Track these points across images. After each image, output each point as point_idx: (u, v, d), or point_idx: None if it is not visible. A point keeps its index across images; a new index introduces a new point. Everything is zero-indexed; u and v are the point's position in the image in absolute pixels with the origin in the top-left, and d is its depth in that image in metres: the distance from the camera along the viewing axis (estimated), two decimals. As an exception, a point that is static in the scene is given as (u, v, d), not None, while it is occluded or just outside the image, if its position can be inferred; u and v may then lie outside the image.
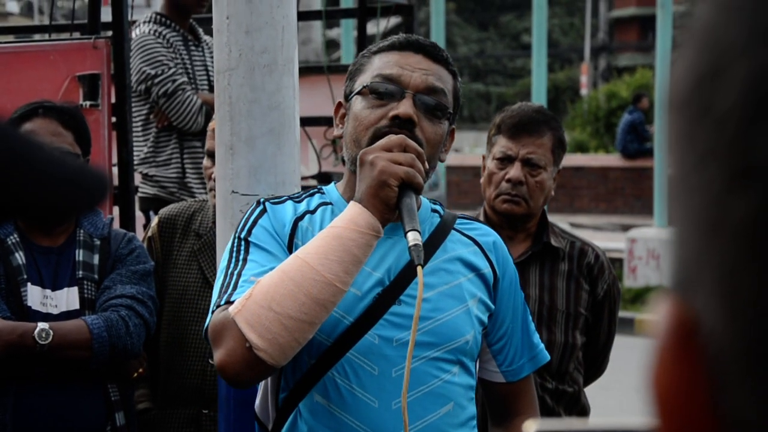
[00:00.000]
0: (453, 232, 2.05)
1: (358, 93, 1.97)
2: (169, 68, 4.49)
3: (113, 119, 3.95)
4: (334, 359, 1.90)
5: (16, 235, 2.84)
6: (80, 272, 2.86)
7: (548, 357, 2.22)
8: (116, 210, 4.00)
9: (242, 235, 1.95)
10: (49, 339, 2.68)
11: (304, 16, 5.14)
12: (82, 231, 2.91)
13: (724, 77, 0.41)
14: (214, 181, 2.95)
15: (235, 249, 1.94)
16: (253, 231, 1.94)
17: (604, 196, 16.64)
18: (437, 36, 13.21)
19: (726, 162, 0.41)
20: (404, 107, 1.90)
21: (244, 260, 1.91)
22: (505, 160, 2.94)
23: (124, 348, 2.78)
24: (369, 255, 1.83)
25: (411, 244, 1.75)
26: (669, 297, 0.45)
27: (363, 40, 4.98)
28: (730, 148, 0.41)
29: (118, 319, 2.78)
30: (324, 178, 4.79)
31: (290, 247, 1.94)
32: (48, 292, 2.82)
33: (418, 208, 1.93)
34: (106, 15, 4.11)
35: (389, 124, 1.91)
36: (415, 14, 4.67)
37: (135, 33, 4.59)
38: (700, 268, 0.43)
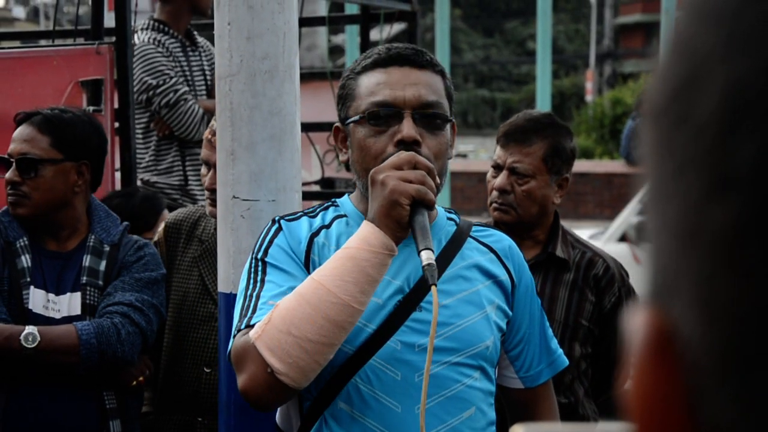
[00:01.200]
0: (469, 239, 2.06)
1: (355, 122, 1.96)
2: (170, 78, 4.50)
3: (116, 124, 3.96)
4: (357, 366, 1.91)
5: (25, 239, 2.85)
6: (84, 278, 2.85)
7: (567, 362, 2.22)
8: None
9: (259, 256, 1.95)
10: (36, 343, 2.67)
11: (307, 22, 5.16)
12: (93, 237, 2.91)
13: (702, 86, 0.41)
14: (209, 191, 2.96)
15: (252, 270, 1.94)
16: (270, 251, 1.95)
17: (608, 202, 16.63)
18: (442, 42, 13.22)
19: (704, 170, 0.41)
20: (407, 130, 1.90)
21: (262, 281, 1.91)
22: (497, 169, 2.96)
23: (114, 355, 2.76)
24: (384, 273, 1.84)
25: (424, 263, 1.76)
26: (646, 305, 0.45)
27: (367, 47, 4.98)
28: (708, 157, 0.41)
29: (111, 326, 2.76)
30: (327, 183, 4.80)
31: (307, 264, 1.95)
32: (51, 296, 2.82)
33: (432, 221, 1.95)
34: (109, 21, 4.13)
35: (395, 151, 1.90)
36: (417, 20, 4.68)
37: (134, 41, 4.60)
38: (677, 277, 0.43)
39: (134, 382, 2.94)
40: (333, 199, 2.09)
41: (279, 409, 2.07)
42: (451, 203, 15.11)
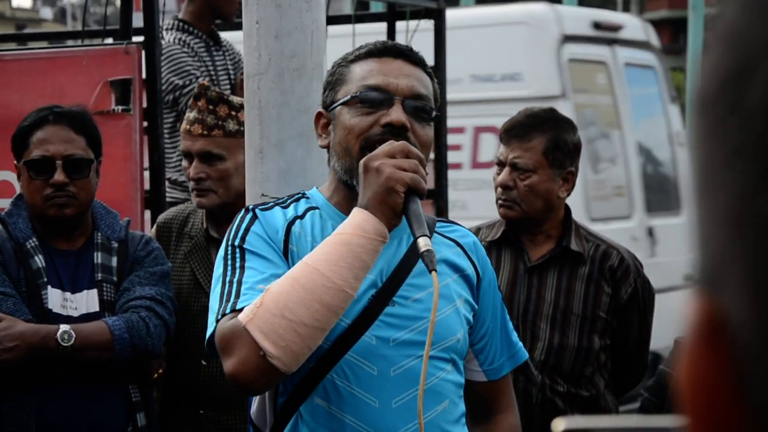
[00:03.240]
0: (435, 235, 2.07)
1: (344, 104, 1.98)
2: (196, 78, 4.52)
3: (145, 124, 3.98)
4: (332, 361, 1.92)
5: (34, 239, 2.86)
6: (99, 274, 2.87)
7: (526, 356, 2.25)
8: (148, 214, 4.03)
9: (236, 243, 1.96)
10: (72, 341, 2.69)
11: (333, 20, 5.16)
12: (99, 234, 2.93)
13: (754, 76, 0.42)
14: (194, 182, 2.98)
15: (230, 257, 1.95)
16: (247, 238, 1.95)
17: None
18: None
19: (753, 159, 0.41)
20: (396, 114, 1.92)
21: (242, 267, 1.92)
22: (500, 166, 2.99)
23: (145, 348, 2.80)
24: (375, 260, 1.85)
25: (423, 249, 1.76)
26: (697, 292, 0.45)
27: (392, 44, 4.98)
28: (757, 146, 0.41)
29: (139, 320, 2.80)
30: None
31: (285, 253, 1.96)
32: (68, 294, 2.84)
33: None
34: (137, 20, 4.15)
35: (381, 131, 1.93)
36: (444, 18, 4.67)
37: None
38: (727, 264, 0.43)
39: (155, 375, 2.98)
40: (302, 191, 2.09)
41: (255, 405, 2.08)
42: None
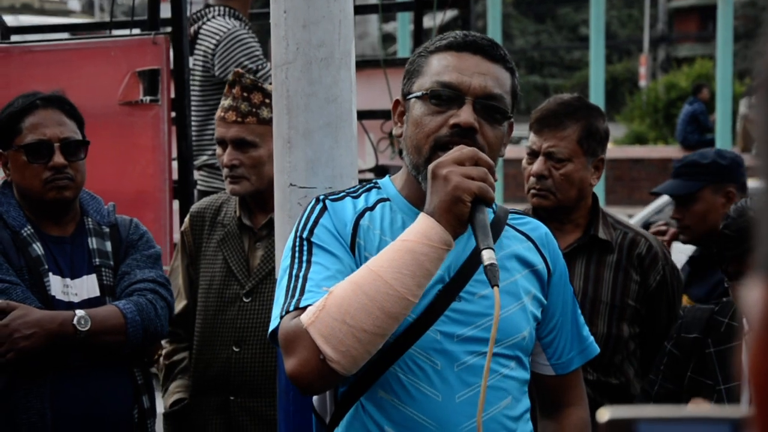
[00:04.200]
0: (507, 228, 2.06)
1: (417, 97, 1.96)
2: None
3: (173, 114, 3.99)
4: (396, 355, 1.92)
5: (29, 227, 2.86)
6: (97, 260, 2.89)
7: (598, 350, 2.22)
8: (176, 203, 4.05)
9: (304, 235, 1.95)
10: (88, 326, 2.72)
11: (360, 9, 5.16)
12: (90, 219, 2.94)
13: None
14: (227, 169, 2.99)
15: (297, 249, 1.94)
16: (315, 231, 1.94)
17: (663, 188, 16.43)
18: (494, 28, 13.16)
19: None
20: (465, 115, 1.89)
21: (308, 262, 1.91)
22: (532, 155, 2.97)
23: (155, 330, 2.84)
24: (439, 267, 1.83)
25: (487, 263, 1.74)
26: (761, 281, 0.44)
27: (419, 34, 4.98)
28: None
29: (147, 302, 2.83)
30: (381, 171, 4.80)
31: (352, 247, 1.95)
32: (68, 280, 2.85)
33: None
34: (165, 11, 4.16)
35: (450, 132, 1.90)
36: (471, 7, 4.65)
37: (213, 25, 4.66)
38: None
39: (156, 356, 3.01)
40: (375, 180, 2.08)
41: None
42: (504, 190, 15.04)
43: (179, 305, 3.16)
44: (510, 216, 2.09)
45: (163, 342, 3.21)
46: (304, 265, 1.90)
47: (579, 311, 2.18)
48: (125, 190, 3.95)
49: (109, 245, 2.92)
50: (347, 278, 1.83)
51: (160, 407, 3.12)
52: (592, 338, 2.20)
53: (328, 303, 1.80)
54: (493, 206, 2.07)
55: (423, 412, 1.91)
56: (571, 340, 2.14)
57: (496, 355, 1.95)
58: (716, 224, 2.94)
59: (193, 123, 4.68)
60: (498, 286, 1.73)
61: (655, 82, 24.19)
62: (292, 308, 1.85)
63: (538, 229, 2.11)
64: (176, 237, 3.25)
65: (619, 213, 5.51)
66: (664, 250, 3.05)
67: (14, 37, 4.78)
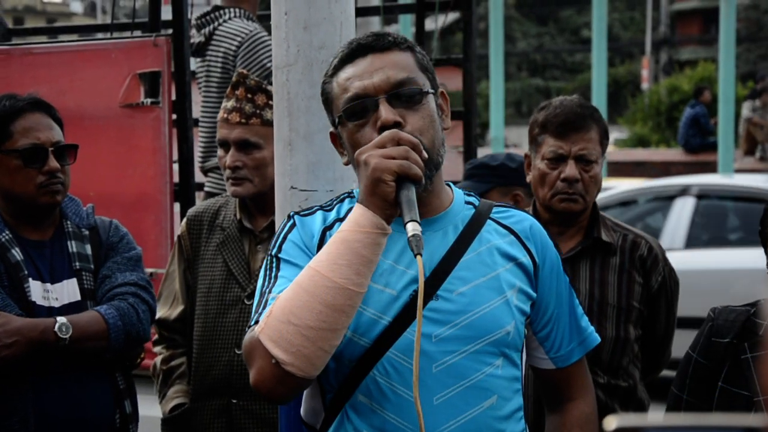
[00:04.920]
0: (489, 222, 2.03)
1: (340, 123, 1.97)
2: None
3: (173, 116, 3.98)
4: (374, 359, 1.91)
5: (7, 232, 2.83)
6: (77, 263, 2.86)
7: (598, 340, 2.19)
8: (177, 206, 4.04)
9: (273, 252, 1.96)
10: (69, 332, 2.70)
11: (362, 12, 5.14)
12: (69, 222, 2.91)
13: None
14: (230, 170, 2.98)
15: (267, 267, 1.95)
16: (283, 247, 1.95)
17: (665, 191, 16.41)
18: (496, 31, 13.14)
19: None
20: (384, 114, 1.89)
21: (275, 278, 1.92)
22: (557, 160, 2.92)
23: (137, 335, 2.82)
24: (380, 253, 1.83)
25: (410, 234, 1.74)
26: None
27: (421, 36, 4.96)
28: None
29: (128, 306, 2.82)
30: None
31: None
32: (48, 285, 2.82)
33: (419, 200, 1.87)
34: (166, 13, 4.15)
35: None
36: (473, 9, 4.64)
37: (232, 27, 4.67)
38: None
39: (138, 360, 2.99)
40: (351, 191, 2.08)
41: (303, 404, 2.07)
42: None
43: (176, 310, 3.14)
44: (494, 210, 2.07)
45: (159, 348, 3.19)
46: (271, 281, 1.91)
47: (576, 302, 2.15)
48: (126, 192, 3.94)
49: (89, 248, 2.90)
50: (292, 282, 1.83)
51: (148, 411, 3.10)
52: (591, 328, 2.17)
53: (275, 308, 1.80)
54: (475, 201, 2.07)
55: (400, 416, 1.89)
56: (569, 331, 2.11)
57: (478, 353, 1.93)
58: None
59: (209, 125, 4.68)
60: (421, 255, 1.73)
61: (657, 84, 24.19)
62: (253, 323, 1.86)
63: (523, 221, 2.08)
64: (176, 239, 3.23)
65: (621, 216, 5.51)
66: (662, 252, 3.04)
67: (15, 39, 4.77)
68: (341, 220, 1.98)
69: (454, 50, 24.28)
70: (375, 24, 13.72)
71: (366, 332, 1.89)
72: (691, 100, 17.04)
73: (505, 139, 15.13)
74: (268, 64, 4.52)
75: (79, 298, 2.83)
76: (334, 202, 2.04)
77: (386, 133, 1.83)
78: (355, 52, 1.96)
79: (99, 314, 2.76)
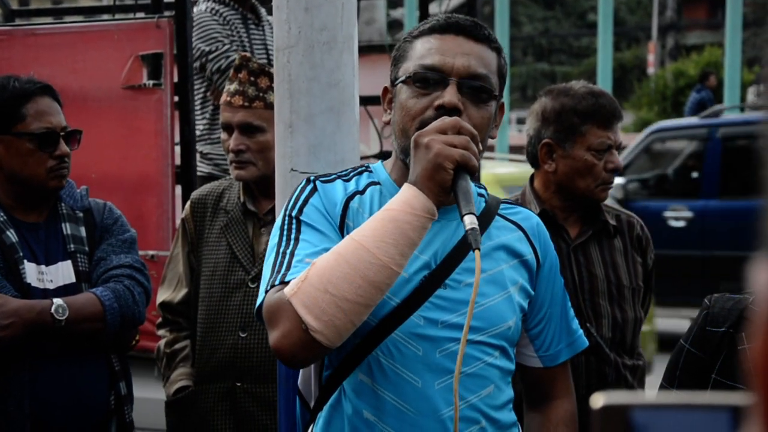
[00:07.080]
0: (497, 217, 2.05)
1: (403, 82, 1.96)
2: (224, 45, 4.53)
3: (176, 98, 3.97)
4: (379, 339, 1.91)
5: (2, 213, 2.83)
6: (71, 246, 2.86)
7: (586, 343, 2.20)
8: (179, 188, 4.04)
9: (293, 214, 1.94)
10: (66, 314, 2.70)
11: (365, -6, 5.11)
12: (63, 204, 2.91)
13: None
14: (233, 154, 2.97)
15: (286, 227, 1.93)
16: (305, 210, 1.94)
17: (671, 176, 16.38)
18: (501, 14, 13.10)
19: None
20: (449, 96, 1.89)
21: (296, 239, 1.90)
22: (603, 152, 2.87)
23: (133, 317, 2.83)
24: (423, 237, 1.82)
25: (468, 227, 1.73)
26: (763, 266, 0.42)
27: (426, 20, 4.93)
28: None
29: (124, 289, 2.82)
30: (385, 157, 4.77)
31: (341, 228, 1.94)
32: (42, 267, 2.82)
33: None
34: (168, -6, 4.14)
35: (435, 114, 1.90)
36: (477, -9, 4.61)
37: (194, 11, 4.64)
38: None
39: (133, 342, 3.00)
40: (367, 165, 2.08)
41: (301, 375, 2.07)
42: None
43: (180, 293, 3.14)
44: (502, 206, 2.08)
45: (163, 331, 3.19)
46: (292, 242, 1.90)
47: (569, 304, 2.17)
48: (128, 174, 3.94)
49: (83, 230, 2.90)
50: (331, 250, 1.82)
51: (144, 393, 3.10)
52: (581, 332, 2.19)
53: (311, 274, 1.78)
54: (485, 194, 2.07)
55: (401, 397, 1.90)
56: (560, 332, 2.13)
57: (480, 344, 1.94)
58: None
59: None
60: (479, 249, 1.72)
61: (663, 69, 24.12)
62: (277, 282, 1.84)
63: (530, 218, 2.09)
64: (179, 222, 3.22)
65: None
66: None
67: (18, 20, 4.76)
68: (361, 192, 1.98)
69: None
70: (380, 7, 13.68)
71: (374, 311, 1.88)
72: (696, 84, 16.99)
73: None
74: (200, 45, 4.52)
75: (73, 280, 2.83)
76: (351, 174, 2.04)
77: (449, 120, 1.82)
78: (449, 27, 1.97)
79: (95, 296, 2.76)
